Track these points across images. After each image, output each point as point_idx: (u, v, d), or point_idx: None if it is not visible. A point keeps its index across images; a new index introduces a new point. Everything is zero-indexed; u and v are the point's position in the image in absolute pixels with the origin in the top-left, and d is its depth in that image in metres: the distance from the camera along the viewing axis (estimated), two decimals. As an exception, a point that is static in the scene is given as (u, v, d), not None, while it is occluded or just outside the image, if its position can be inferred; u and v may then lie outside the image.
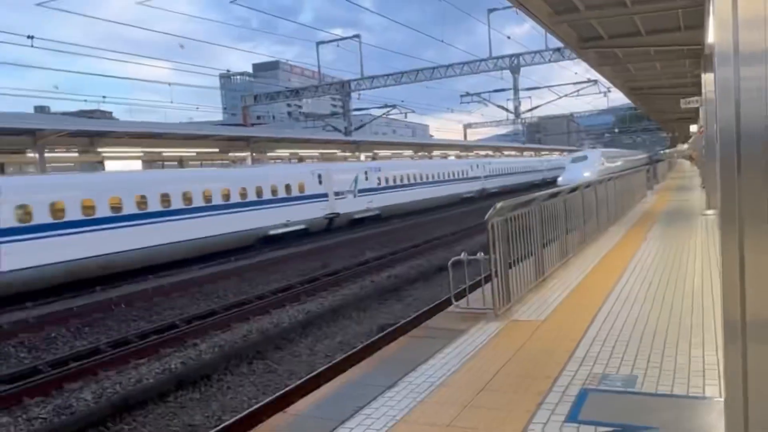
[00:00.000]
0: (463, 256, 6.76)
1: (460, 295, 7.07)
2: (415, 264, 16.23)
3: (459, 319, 6.22)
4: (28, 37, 18.73)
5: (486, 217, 5.91)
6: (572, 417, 3.61)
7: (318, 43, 33.06)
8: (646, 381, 4.06)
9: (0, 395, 7.64)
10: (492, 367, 4.57)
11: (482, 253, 6.50)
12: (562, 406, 3.78)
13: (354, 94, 33.03)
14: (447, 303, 7.93)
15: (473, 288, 6.87)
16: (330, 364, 8.17)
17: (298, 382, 7.67)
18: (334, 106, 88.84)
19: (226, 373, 8.59)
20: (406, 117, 38.92)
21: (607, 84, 27.54)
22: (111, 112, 61.46)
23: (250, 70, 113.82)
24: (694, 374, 4.10)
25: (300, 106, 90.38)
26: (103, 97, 43.03)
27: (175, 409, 7.53)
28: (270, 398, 7.16)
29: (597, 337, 5.11)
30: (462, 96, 38.78)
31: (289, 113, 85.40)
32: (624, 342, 4.92)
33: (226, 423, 6.60)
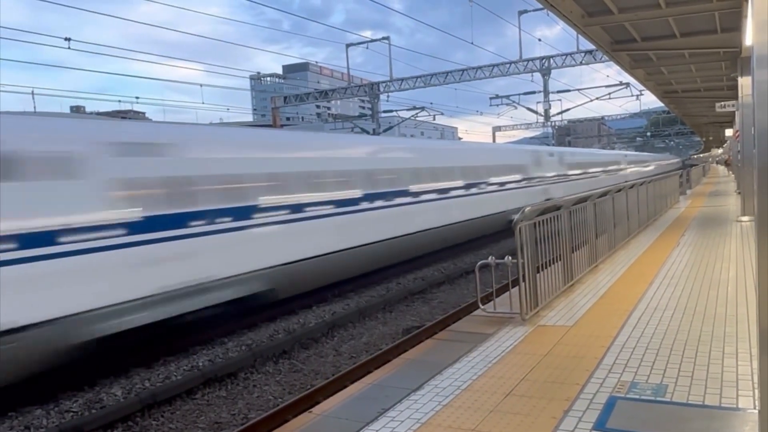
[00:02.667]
0: (490, 259, 6.72)
1: (486, 299, 7.03)
2: (442, 267, 16.19)
3: (485, 322, 6.18)
4: (65, 39, 19.12)
5: (514, 220, 5.87)
6: (600, 425, 3.56)
7: (347, 45, 33.15)
8: (676, 390, 3.98)
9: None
10: (518, 373, 4.53)
11: (510, 257, 6.45)
12: (589, 413, 3.72)
13: (383, 96, 33.03)
14: (473, 306, 7.91)
15: (500, 292, 6.82)
16: (355, 365, 8.19)
17: (324, 382, 7.71)
18: (363, 107, 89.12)
19: (252, 372, 8.67)
20: (434, 119, 38.79)
21: (640, 87, 27.09)
22: (144, 113, 62.54)
23: (280, 71, 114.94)
24: (727, 385, 4.00)
25: (329, 108, 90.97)
26: (137, 97, 43.76)
27: (201, 406, 7.63)
28: (295, 398, 7.21)
29: (626, 344, 5.03)
30: (491, 98, 38.51)
31: (318, 114, 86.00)
32: (654, 350, 4.83)
33: (252, 421, 6.66)
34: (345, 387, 5.79)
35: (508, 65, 27.95)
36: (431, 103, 35.56)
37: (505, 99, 38.00)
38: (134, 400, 7.49)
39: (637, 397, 3.93)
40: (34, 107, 30.45)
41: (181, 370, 8.55)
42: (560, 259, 7.07)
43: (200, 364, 8.78)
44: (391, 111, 36.74)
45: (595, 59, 25.43)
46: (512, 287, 6.54)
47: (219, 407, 7.58)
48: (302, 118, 70.25)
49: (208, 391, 8.03)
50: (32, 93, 30.40)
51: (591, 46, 20.81)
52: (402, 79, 30.37)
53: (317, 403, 5.48)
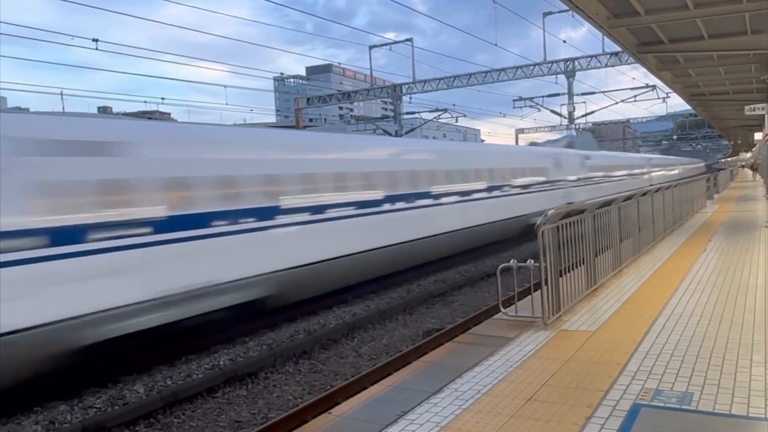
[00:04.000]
0: (512, 263, 6.66)
1: (508, 303, 6.97)
2: (463, 269, 16.11)
3: (507, 326, 6.13)
4: (93, 40, 19.44)
5: (536, 224, 5.81)
6: (623, 432, 3.50)
7: (370, 47, 33.25)
8: (702, 399, 3.90)
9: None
10: (540, 378, 4.48)
11: (532, 261, 6.39)
12: (612, 420, 3.66)
13: (405, 98, 33.09)
14: (494, 310, 7.84)
15: (522, 295, 6.76)
16: (375, 367, 8.18)
17: (343, 383, 7.71)
18: (385, 109, 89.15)
19: (272, 371, 8.71)
20: (456, 121, 38.67)
21: (666, 89, 26.71)
22: (170, 113, 63.40)
23: (303, 73, 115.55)
24: (754, 394, 3.91)
25: (351, 109, 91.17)
26: (162, 98, 44.34)
27: (222, 404, 7.68)
28: (315, 398, 7.22)
29: (651, 350, 4.94)
30: (515, 100, 38.30)
31: (341, 116, 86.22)
32: (679, 357, 4.74)
33: (272, 421, 6.69)
34: (364, 388, 5.78)
35: (532, 67, 27.80)
36: (454, 105, 35.50)
37: (529, 101, 37.76)
38: (156, 397, 7.57)
39: (662, 404, 3.86)
40: (63, 108, 31.02)
41: (202, 369, 8.62)
42: (583, 263, 6.99)
43: (221, 363, 8.84)
44: (414, 113, 36.73)
45: (621, 61, 25.20)
46: (534, 291, 6.46)
47: (239, 406, 7.62)
48: (325, 119, 70.52)
49: (228, 389, 8.09)
50: (61, 94, 31.02)
51: (617, 48, 20.57)
52: (425, 81, 30.39)
53: (337, 404, 5.48)
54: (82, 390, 7.92)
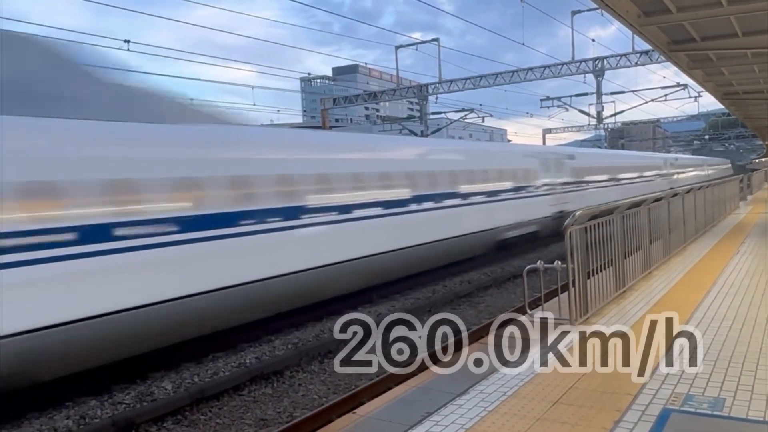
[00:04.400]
0: (539, 264, 6.59)
1: (534, 304, 6.91)
2: (489, 270, 16.00)
3: (533, 328, 6.06)
4: (125, 41, 19.78)
5: (564, 225, 5.75)
6: (652, 438, 3.43)
7: (397, 47, 33.24)
8: (735, 405, 3.81)
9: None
10: (567, 381, 4.42)
11: (559, 262, 6.31)
12: (641, 425, 3.60)
13: (431, 98, 33.01)
14: (521, 311, 7.77)
15: (549, 297, 6.69)
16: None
17: (368, 383, 7.71)
18: (411, 109, 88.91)
19: (297, 370, 8.76)
20: (483, 121, 38.40)
21: (698, 88, 26.22)
22: (198, 114, 64.00)
23: (330, 73, 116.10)
24: (790, 400, 3.81)
25: (377, 110, 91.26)
26: (191, 99, 44.99)
27: (248, 402, 7.75)
28: (340, 398, 7.24)
29: (681, 354, 4.85)
30: (542, 100, 37.90)
31: (367, 116, 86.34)
32: (711, 361, 4.64)
33: (297, 420, 6.72)
34: (389, 389, 5.77)
35: (559, 66, 27.50)
36: (480, 105, 35.24)
37: (557, 101, 37.35)
38: (184, 394, 7.67)
39: (693, 410, 3.78)
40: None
41: (228, 367, 8.71)
42: (612, 265, 6.89)
43: (248, 361, 8.92)
44: (440, 113, 36.57)
45: (651, 60, 24.77)
46: (561, 293, 6.39)
47: (265, 404, 7.68)
48: (351, 119, 70.75)
49: (254, 387, 8.15)
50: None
51: (647, 47, 20.24)
52: (451, 81, 30.26)
53: (361, 403, 5.48)
54: (112, 386, 8.06)
